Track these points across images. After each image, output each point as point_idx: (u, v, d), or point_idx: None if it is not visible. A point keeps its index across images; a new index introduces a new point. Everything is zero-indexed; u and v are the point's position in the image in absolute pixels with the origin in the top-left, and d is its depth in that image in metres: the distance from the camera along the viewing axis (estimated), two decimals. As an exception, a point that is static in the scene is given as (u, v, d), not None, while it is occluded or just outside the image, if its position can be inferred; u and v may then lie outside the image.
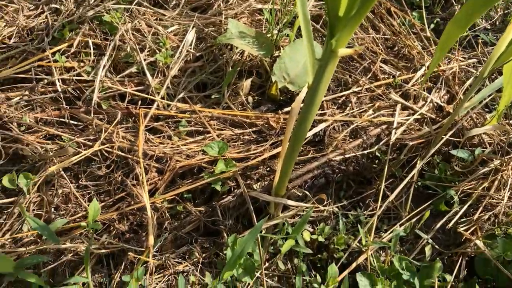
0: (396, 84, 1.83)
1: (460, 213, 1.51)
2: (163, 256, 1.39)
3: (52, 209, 1.43)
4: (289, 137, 1.25)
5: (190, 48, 1.79)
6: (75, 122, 1.59)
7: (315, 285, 1.42)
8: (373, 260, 1.45)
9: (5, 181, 1.39)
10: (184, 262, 1.41)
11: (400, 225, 1.53)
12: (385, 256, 1.49)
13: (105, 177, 1.50)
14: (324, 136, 1.61)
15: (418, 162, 1.60)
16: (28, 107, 1.60)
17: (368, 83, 1.80)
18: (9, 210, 1.40)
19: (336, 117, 1.66)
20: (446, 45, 1.17)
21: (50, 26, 1.76)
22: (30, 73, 1.67)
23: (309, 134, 1.61)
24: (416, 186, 1.62)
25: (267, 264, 1.46)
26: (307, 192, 1.46)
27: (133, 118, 1.63)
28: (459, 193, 1.55)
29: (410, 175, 1.58)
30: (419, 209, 1.56)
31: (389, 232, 1.52)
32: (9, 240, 1.36)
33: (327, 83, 1.04)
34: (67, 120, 1.58)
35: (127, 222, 1.44)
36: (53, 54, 1.69)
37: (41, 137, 1.53)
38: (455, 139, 1.65)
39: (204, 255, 1.43)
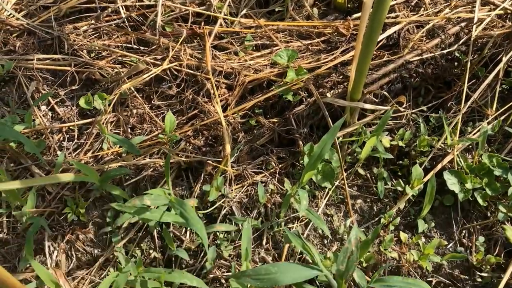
0: (473, -19, 1.68)
1: (555, 106, 1.40)
2: (240, 167, 1.38)
3: (129, 129, 1.45)
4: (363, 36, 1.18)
5: (249, -35, 1.72)
6: (142, 47, 1.59)
7: (399, 188, 1.37)
8: (460, 161, 1.37)
9: (82, 103, 1.42)
10: (262, 173, 1.39)
11: (487, 124, 1.43)
12: (472, 158, 1.41)
13: (176, 96, 1.50)
14: (398, 39, 1.52)
15: (503, 57, 1.48)
16: (95, 35, 1.62)
17: (442, -18, 1.67)
18: (88, 131, 1.43)
19: (410, 18, 1.55)
20: None
21: (108, -45, 1.75)
22: (94, 3, 1.67)
23: (382, 36, 1.51)
24: (502, 88, 1.51)
25: (345, 174, 1.42)
26: (385, 93, 1.39)
27: (197, 38, 1.60)
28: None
29: (495, 72, 1.47)
30: (506, 107, 1.45)
31: (474, 132, 1.43)
32: (91, 159, 1.39)
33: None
34: (134, 45, 1.58)
35: (202, 137, 1.44)
36: (114, -18, 1.68)
37: (111, 62, 1.54)
38: (544, 30, 1.51)
39: (280, 165, 1.40)
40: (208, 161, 1.35)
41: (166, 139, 1.31)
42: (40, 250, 1.26)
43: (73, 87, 1.51)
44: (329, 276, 1.08)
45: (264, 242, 1.30)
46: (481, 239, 1.30)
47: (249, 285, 1.11)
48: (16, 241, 1.27)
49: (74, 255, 1.28)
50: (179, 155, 1.37)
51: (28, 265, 1.23)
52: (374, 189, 1.41)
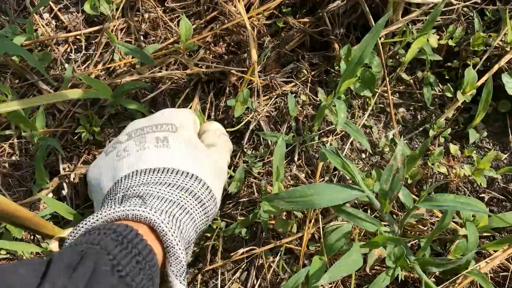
0: None
1: None
2: (268, 76, 1.23)
3: (141, 37, 1.30)
4: None
5: None
6: None
7: (448, 94, 1.21)
8: (520, 61, 1.19)
9: (87, 8, 1.26)
10: (292, 82, 1.24)
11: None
12: (535, 58, 1.22)
13: (192, -4, 1.32)
14: None
15: None
16: None
17: None
18: (96, 40, 1.28)
19: None
20: None
21: None
22: None
23: None
24: None
25: (388, 79, 1.25)
26: (436, -18, 1.18)
27: None
28: None
29: None
30: None
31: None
32: (102, 72, 1.26)
33: None
34: None
35: (223, 43, 1.28)
36: None
37: (115, -42, 1.35)
38: None
39: (313, 72, 1.25)
40: (232, 71, 1.20)
41: (182, 48, 1.16)
42: (56, 172, 1.18)
43: (76, -10, 1.34)
44: (371, 197, 0.97)
45: (296, 158, 1.18)
46: (541, 149, 1.16)
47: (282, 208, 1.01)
48: (30, 163, 1.19)
49: (93, 177, 1.19)
50: (199, 66, 1.22)
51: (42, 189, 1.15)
52: (418, 95, 1.25)
